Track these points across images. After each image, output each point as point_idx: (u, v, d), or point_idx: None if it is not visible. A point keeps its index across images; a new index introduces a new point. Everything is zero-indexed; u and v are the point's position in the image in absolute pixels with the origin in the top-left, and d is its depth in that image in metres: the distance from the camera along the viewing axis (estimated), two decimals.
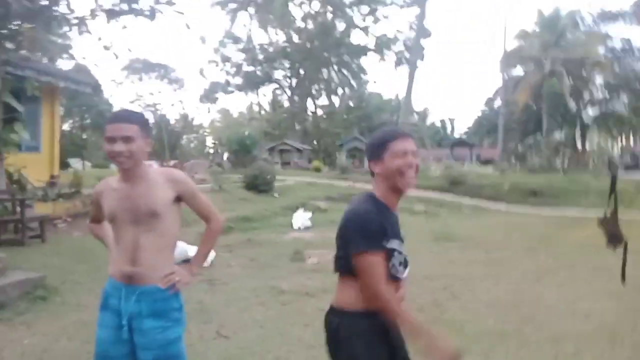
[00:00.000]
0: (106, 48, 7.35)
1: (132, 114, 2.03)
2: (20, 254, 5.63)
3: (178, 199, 1.98)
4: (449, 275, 6.08)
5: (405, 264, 1.66)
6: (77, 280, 4.95)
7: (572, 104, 36.53)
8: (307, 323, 4.16)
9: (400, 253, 1.63)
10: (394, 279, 1.62)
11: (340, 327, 1.62)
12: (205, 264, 6.27)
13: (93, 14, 7.07)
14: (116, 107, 31.08)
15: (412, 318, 1.59)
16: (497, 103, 41.18)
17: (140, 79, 33.87)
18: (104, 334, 1.95)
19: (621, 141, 46.25)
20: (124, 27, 7.34)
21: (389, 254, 1.59)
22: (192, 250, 6.41)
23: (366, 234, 1.55)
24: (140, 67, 33.98)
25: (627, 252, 3.83)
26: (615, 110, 39.61)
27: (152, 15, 6.91)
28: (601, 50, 36.53)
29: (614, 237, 3.75)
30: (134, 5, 6.81)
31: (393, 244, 1.60)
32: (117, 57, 7.89)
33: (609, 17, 36.94)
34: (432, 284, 5.61)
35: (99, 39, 7.51)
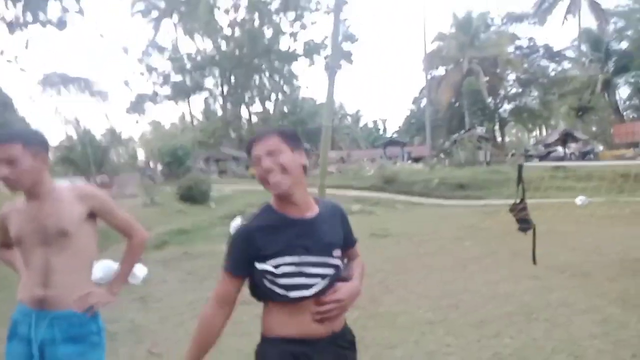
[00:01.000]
0: (9, 62, 6.83)
1: (12, 133, 1.85)
2: None
3: (92, 216, 1.90)
4: (384, 270, 6.30)
5: (301, 287, 1.41)
6: None
7: (489, 100, 39.29)
8: (243, 332, 4.13)
9: (289, 274, 1.40)
10: (287, 299, 1.41)
11: (255, 353, 1.55)
12: (136, 282, 6.03)
13: None
14: (33, 124, 28.82)
15: None
16: (424, 102, 43.28)
17: (59, 93, 31.65)
18: None
19: (534, 132, 50.43)
20: (27, 40, 6.85)
21: (262, 275, 1.42)
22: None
23: (228, 255, 1.48)
24: (57, 81, 31.74)
25: (535, 235, 4.21)
26: (527, 105, 43.13)
27: (61, 25, 6.50)
28: (511, 48, 39.61)
29: (524, 222, 4.12)
30: (40, 16, 6.37)
31: (276, 263, 1.40)
32: (23, 71, 7.37)
33: (514, 18, 40.34)
34: (368, 280, 5.75)
35: (1, 52, 6.95)
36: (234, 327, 4.25)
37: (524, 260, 6.26)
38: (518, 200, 4.08)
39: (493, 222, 10.33)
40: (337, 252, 1.50)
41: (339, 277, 1.49)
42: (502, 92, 41.30)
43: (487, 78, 37.59)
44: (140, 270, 6.24)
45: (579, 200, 13.31)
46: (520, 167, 4.18)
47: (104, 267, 6.13)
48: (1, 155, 1.72)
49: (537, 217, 10.15)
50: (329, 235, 1.48)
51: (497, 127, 43.88)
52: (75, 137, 23.31)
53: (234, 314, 4.68)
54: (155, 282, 6.15)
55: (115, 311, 4.82)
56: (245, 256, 1.43)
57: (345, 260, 1.61)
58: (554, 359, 3.31)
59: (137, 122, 57.00)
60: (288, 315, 1.44)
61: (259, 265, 1.42)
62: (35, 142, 1.82)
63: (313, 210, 1.50)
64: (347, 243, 1.60)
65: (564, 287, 5.10)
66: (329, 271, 1.45)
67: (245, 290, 4.77)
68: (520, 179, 4.05)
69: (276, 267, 1.40)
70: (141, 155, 41.01)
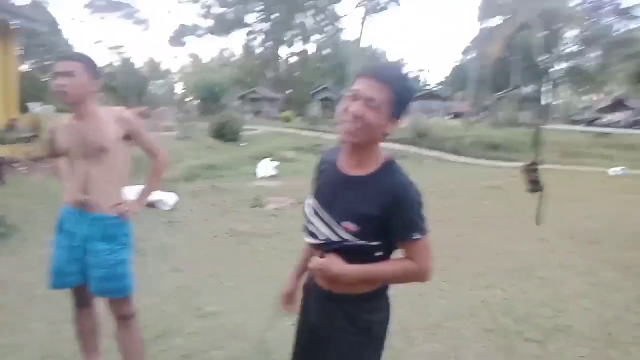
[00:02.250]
0: None
1: (76, 54, 2.21)
2: None
3: (127, 137, 2.20)
4: None
5: (307, 231, 1.40)
6: (37, 219, 5.08)
7: (541, 58, 37.07)
8: (259, 259, 4.55)
9: (307, 214, 1.41)
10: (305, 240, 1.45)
11: None
12: (166, 207, 6.53)
13: None
14: (77, 48, 29.51)
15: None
16: (474, 54, 41.26)
17: (103, 18, 32.09)
18: (59, 252, 2.21)
19: (586, 97, 47.71)
20: None
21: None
22: (151, 194, 6.63)
23: None
24: (103, 5, 32.04)
25: (542, 197, 4.30)
26: (582, 66, 40.55)
27: None
28: (574, 1, 36.65)
29: (534, 184, 4.20)
30: None
31: (308, 199, 1.43)
32: None
33: None
34: None
35: None
36: (251, 255, 4.70)
37: (539, 223, 6.34)
38: (530, 162, 4.13)
39: (518, 184, 10.22)
40: (349, 225, 1.28)
41: (345, 248, 1.31)
42: (556, 50, 38.76)
43: (544, 33, 35.25)
44: (170, 198, 6.73)
45: (612, 171, 12.91)
46: (537, 129, 4.19)
47: (138, 191, 6.67)
48: (64, 68, 2.04)
49: (564, 183, 10.05)
50: (351, 205, 1.31)
51: (544, 87, 41.75)
52: (117, 64, 23.82)
53: (252, 245, 5.08)
54: (183, 209, 6.63)
55: (146, 231, 5.34)
56: (313, 181, 1.49)
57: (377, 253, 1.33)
58: (537, 311, 3.53)
59: (175, 56, 57.12)
60: (309, 252, 1.52)
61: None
62: (93, 66, 2.14)
63: (363, 172, 1.34)
64: (393, 234, 1.31)
65: (569, 251, 5.22)
66: (332, 236, 1.31)
67: (262, 224, 5.15)
68: (536, 141, 4.09)
69: (307, 203, 1.42)
70: (179, 88, 41.65)
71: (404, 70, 1.32)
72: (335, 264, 1.30)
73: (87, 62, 2.10)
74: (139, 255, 4.55)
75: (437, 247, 4.68)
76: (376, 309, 1.41)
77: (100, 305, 2.34)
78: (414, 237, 1.29)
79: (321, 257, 1.34)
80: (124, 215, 2.21)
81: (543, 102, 39.20)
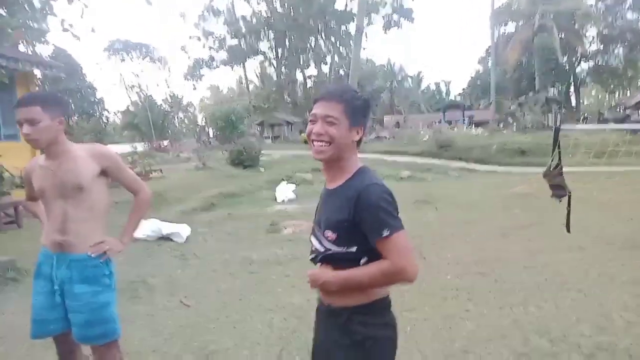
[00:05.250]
0: (65, 30, 7.25)
1: (34, 96, 2.12)
2: None
3: (103, 173, 2.09)
4: (420, 237, 6.21)
5: (311, 250, 1.51)
6: None
7: (563, 59, 36.10)
8: (269, 290, 4.32)
9: (311, 233, 1.53)
10: None
11: None
12: (181, 240, 6.41)
13: None
14: (99, 90, 30.66)
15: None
16: (491, 62, 40.67)
17: (123, 60, 33.37)
18: (39, 299, 2.09)
19: (616, 94, 46.03)
20: (85, 5, 7.19)
21: None
22: (166, 228, 6.53)
23: None
24: (120, 47, 33.39)
25: (570, 203, 3.95)
26: (609, 63, 39.25)
27: None
28: (591, 0, 35.81)
29: (558, 189, 3.86)
30: None
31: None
32: (76, 38, 7.78)
33: None
34: None
35: (62, 20, 7.38)
36: (262, 285, 4.49)
37: (572, 231, 5.90)
38: (553, 166, 3.80)
39: (549, 190, 9.72)
40: (329, 234, 1.40)
41: (330, 257, 1.42)
42: (579, 49, 37.68)
43: (562, 35, 34.42)
44: (184, 230, 6.62)
45: None
46: (557, 130, 3.87)
47: (152, 225, 6.59)
48: (24, 115, 1.95)
49: (596, 185, 9.48)
50: (328, 214, 1.44)
51: (572, 89, 40.55)
52: (138, 103, 24.53)
53: (264, 274, 4.85)
54: (197, 241, 6.50)
55: (156, 267, 5.23)
56: None
57: (365, 259, 1.39)
58: (576, 329, 3.16)
59: (194, 87, 58.79)
60: None
61: None
62: (53, 105, 2.03)
63: (339, 183, 1.45)
64: (368, 234, 1.35)
65: (609, 258, 4.79)
66: (320, 247, 1.44)
67: (277, 250, 4.88)
68: (556, 143, 3.77)
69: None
70: (200, 120, 42.64)
71: (350, 87, 1.55)
72: (323, 273, 1.42)
73: (45, 102, 2.00)
74: (147, 291, 4.45)
75: (462, 264, 4.37)
76: (372, 323, 1.41)
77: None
78: (383, 235, 1.31)
79: None
80: (105, 256, 2.09)
81: (569, 103, 38.02)
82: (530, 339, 3.05)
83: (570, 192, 3.74)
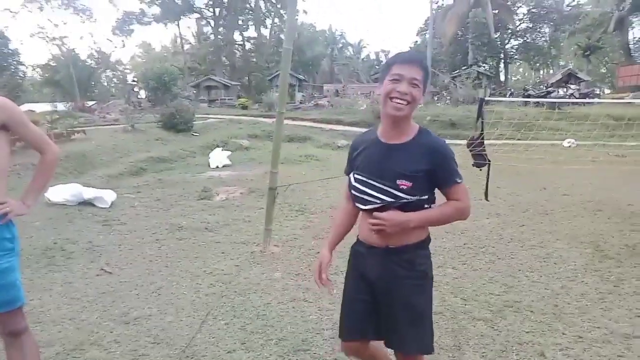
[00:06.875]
0: None
1: None
2: None
3: (4, 128, 1.87)
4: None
5: (361, 200, 1.66)
6: None
7: (495, 35, 37.62)
8: (197, 256, 4.24)
9: (357, 188, 1.67)
10: (360, 208, 1.72)
11: None
12: (105, 206, 6.09)
13: None
14: (13, 41, 27.64)
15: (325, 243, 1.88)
16: (428, 34, 41.48)
17: (41, 9, 30.12)
18: None
19: (541, 72, 49.07)
20: None
21: (349, 181, 1.75)
22: (87, 192, 6.15)
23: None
24: None
25: (489, 172, 4.19)
26: (536, 42, 41.48)
27: None
28: None
29: (479, 158, 4.07)
30: None
31: (354, 175, 1.71)
32: None
33: None
34: None
35: None
36: (189, 251, 4.38)
37: (491, 199, 6.30)
38: (476, 136, 3.99)
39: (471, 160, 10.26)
40: (404, 183, 1.57)
41: (398, 205, 1.58)
42: (510, 27, 39.43)
43: (496, 11, 35.71)
44: (108, 195, 6.28)
45: (567, 142, 13.22)
46: (481, 101, 4.04)
47: (72, 189, 6.18)
48: None
49: (520, 157, 10.16)
50: (402, 166, 1.58)
51: (501, 65, 42.54)
52: (60, 57, 22.44)
53: (193, 240, 4.76)
54: (123, 207, 6.19)
55: (75, 233, 4.93)
56: (349, 161, 1.77)
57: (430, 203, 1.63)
58: (487, 288, 3.42)
59: (123, 44, 54.65)
60: (361, 219, 1.75)
61: (349, 173, 1.74)
62: None
63: (405, 139, 1.62)
64: (439, 182, 1.61)
65: (521, 224, 5.18)
66: (386, 198, 1.59)
67: (208, 217, 4.76)
68: (480, 114, 3.94)
69: (354, 179, 1.70)
70: (130, 79, 39.99)
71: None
72: (398, 215, 1.58)
73: None
74: (64, 257, 4.20)
75: None
76: (427, 255, 1.70)
77: None
78: (457, 181, 1.61)
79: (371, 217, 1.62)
80: (6, 218, 1.90)
81: (498, 78, 39.95)
82: (445, 299, 3.25)
83: (489, 162, 3.96)
